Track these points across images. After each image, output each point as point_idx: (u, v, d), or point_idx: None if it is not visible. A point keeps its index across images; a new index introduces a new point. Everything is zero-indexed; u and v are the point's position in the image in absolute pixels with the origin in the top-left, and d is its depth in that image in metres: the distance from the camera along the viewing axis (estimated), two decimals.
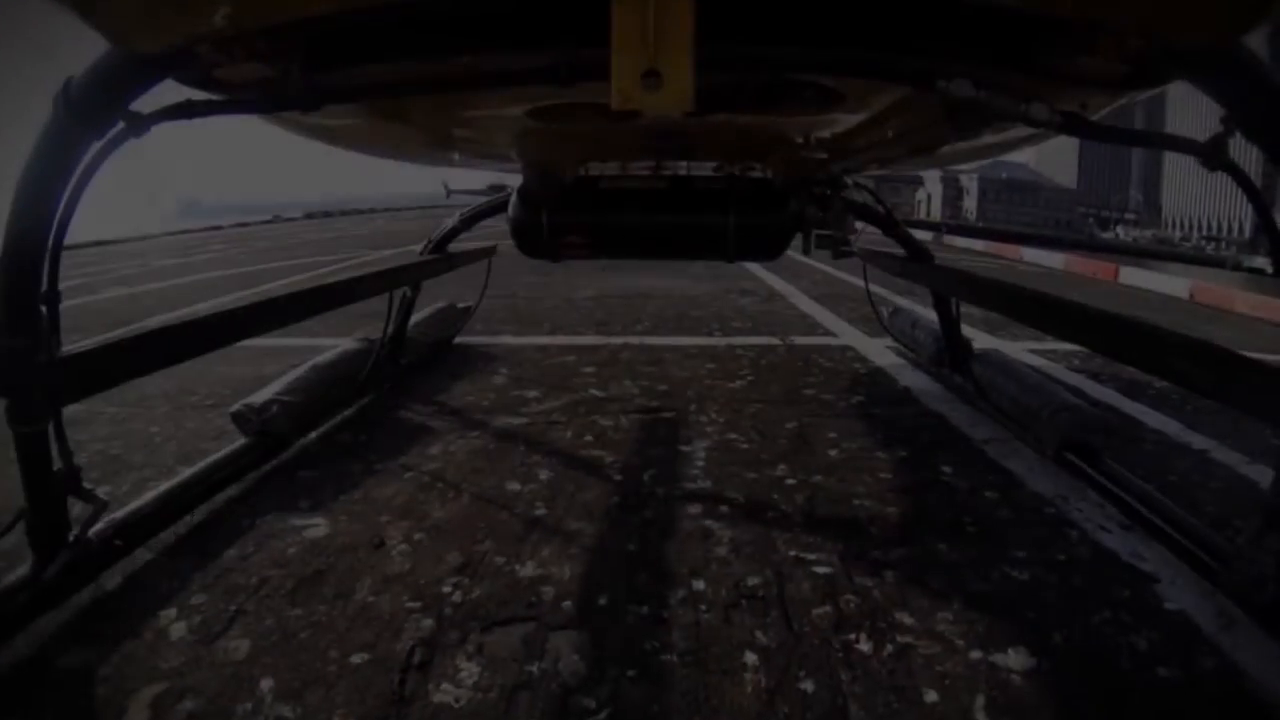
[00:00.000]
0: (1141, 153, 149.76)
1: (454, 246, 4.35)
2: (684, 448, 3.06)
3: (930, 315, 4.30)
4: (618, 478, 2.77)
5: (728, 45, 1.50)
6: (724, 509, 2.48)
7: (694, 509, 2.48)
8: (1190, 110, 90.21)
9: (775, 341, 5.23)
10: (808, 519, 2.43)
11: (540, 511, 2.46)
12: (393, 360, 3.97)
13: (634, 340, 5.19)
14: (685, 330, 5.60)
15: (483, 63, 1.63)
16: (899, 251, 4.02)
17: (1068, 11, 1.37)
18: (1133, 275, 12.54)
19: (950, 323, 3.96)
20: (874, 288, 5.15)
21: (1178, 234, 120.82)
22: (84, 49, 1.58)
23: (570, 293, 7.55)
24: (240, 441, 2.84)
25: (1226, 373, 1.65)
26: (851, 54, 1.58)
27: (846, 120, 2.40)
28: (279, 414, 2.92)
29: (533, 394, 3.86)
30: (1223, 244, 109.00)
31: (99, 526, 1.99)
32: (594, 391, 3.90)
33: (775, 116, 2.32)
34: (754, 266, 9.71)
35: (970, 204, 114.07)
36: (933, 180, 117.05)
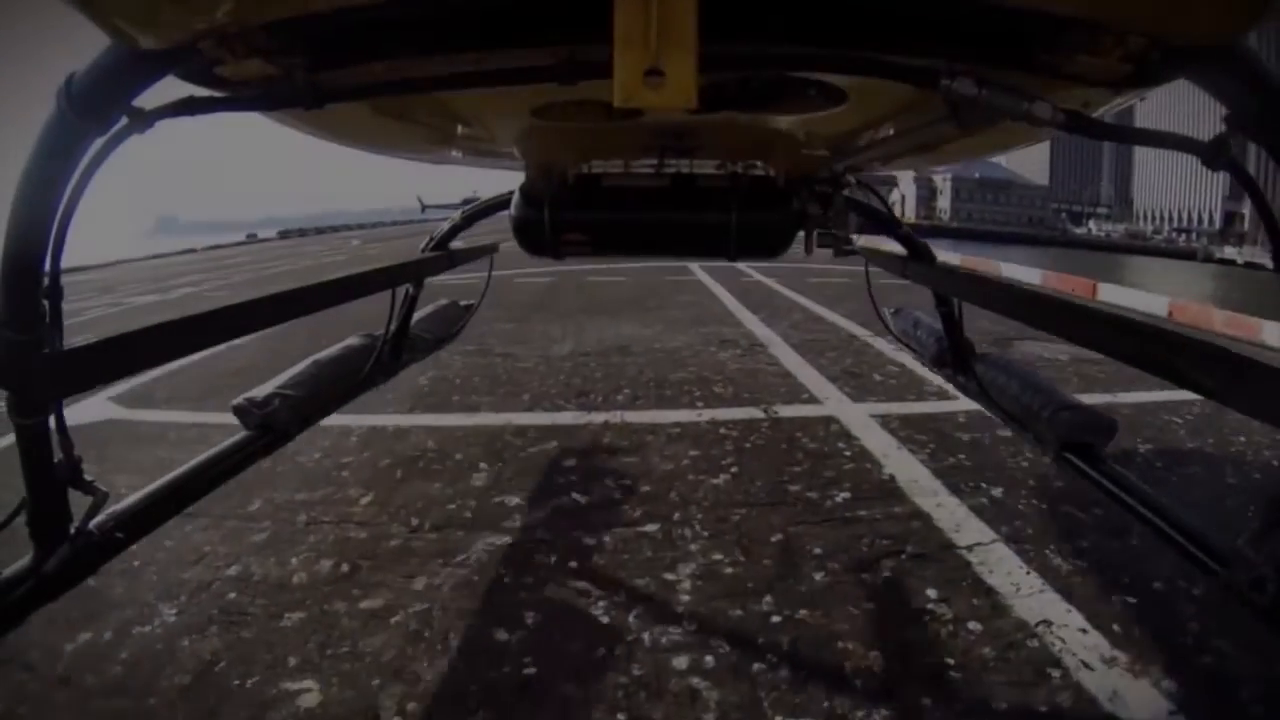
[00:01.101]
0: (1112, 148, 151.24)
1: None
2: (668, 575, 3.03)
3: (931, 316, 4.30)
4: (604, 620, 2.73)
5: (730, 43, 1.49)
6: (710, 661, 2.45)
7: (681, 662, 2.45)
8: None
9: (758, 414, 5.18)
10: (794, 670, 2.41)
11: (530, 670, 2.45)
12: (395, 356, 3.96)
13: (615, 418, 5.14)
14: (667, 401, 5.56)
15: (486, 60, 1.63)
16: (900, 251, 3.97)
17: (1070, 10, 1.37)
18: (1111, 292, 12.51)
19: (953, 323, 3.95)
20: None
21: (1149, 227, 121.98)
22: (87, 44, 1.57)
23: (548, 347, 7.50)
24: (242, 434, 2.79)
25: (1233, 376, 1.62)
26: (855, 52, 1.58)
27: (849, 118, 2.39)
28: (281, 407, 2.88)
29: (514, 502, 3.83)
30: (1193, 235, 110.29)
31: (100, 518, 1.98)
32: (576, 496, 3.87)
33: (778, 114, 2.32)
34: (734, 307, 9.76)
35: (944, 203, 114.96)
36: (906, 181, 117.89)
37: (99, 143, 1.64)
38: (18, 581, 1.77)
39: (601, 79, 1.40)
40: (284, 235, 64.59)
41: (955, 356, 3.97)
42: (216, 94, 1.71)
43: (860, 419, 5.02)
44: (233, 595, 3.13)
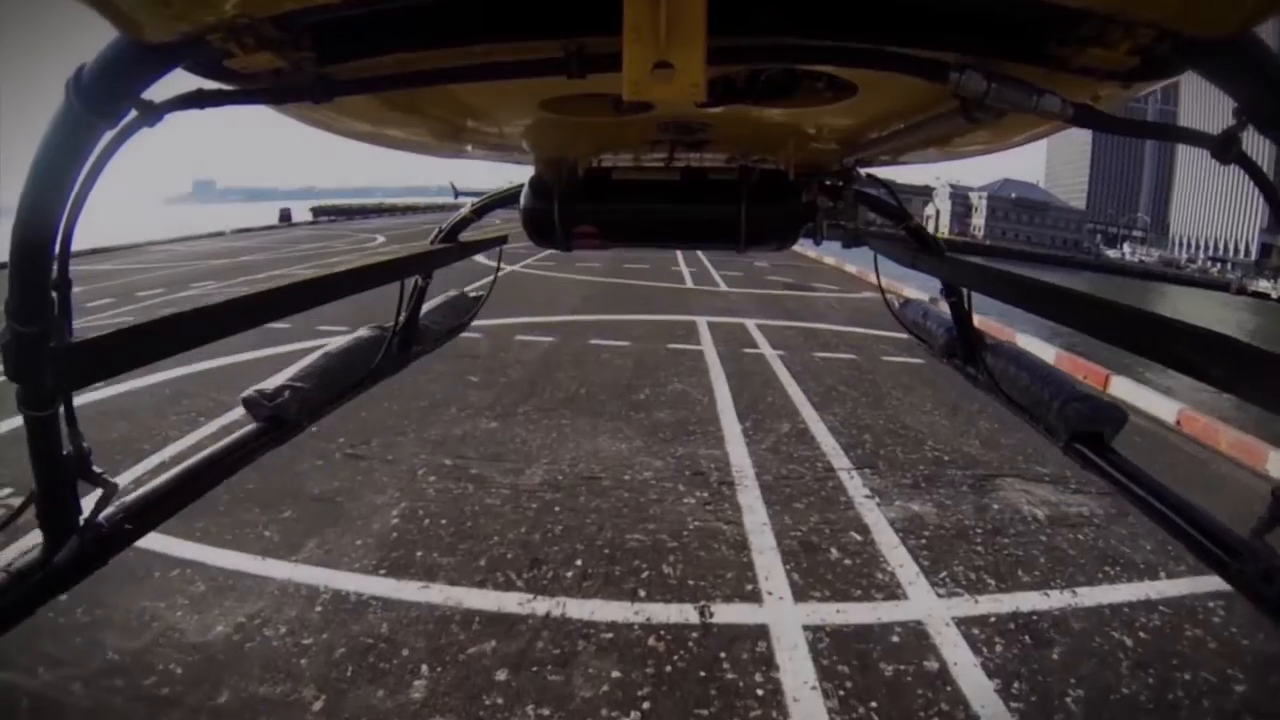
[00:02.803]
0: (1150, 175, 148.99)
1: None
2: None
3: (940, 306, 4.42)
4: None
5: (739, 36, 1.53)
6: None
7: None
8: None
9: (693, 618, 5.21)
10: None
11: None
12: (404, 348, 4.04)
13: (557, 610, 5.22)
14: (613, 584, 5.58)
15: (495, 53, 1.65)
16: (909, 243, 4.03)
17: (1081, 2, 1.36)
18: (1123, 386, 12.20)
19: (962, 314, 4.06)
20: None
21: (1184, 255, 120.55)
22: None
23: (521, 470, 7.59)
24: (253, 425, 2.89)
25: (1238, 364, 1.67)
26: (864, 46, 1.59)
27: (858, 111, 2.42)
28: (290, 399, 2.95)
29: None
30: (1228, 265, 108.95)
31: (109, 510, 2.03)
32: None
33: (787, 108, 2.32)
34: (724, 404, 9.86)
35: (979, 221, 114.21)
36: (943, 196, 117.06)
37: (108, 136, 1.67)
38: (27, 573, 1.82)
39: (611, 72, 1.45)
40: (316, 217, 64.72)
41: (964, 347, 4.08)
42: (225, 87, 1.74)
43: (791, 632, 5.05)
44: None
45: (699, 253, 28.35)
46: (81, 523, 1.94)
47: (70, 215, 1.71)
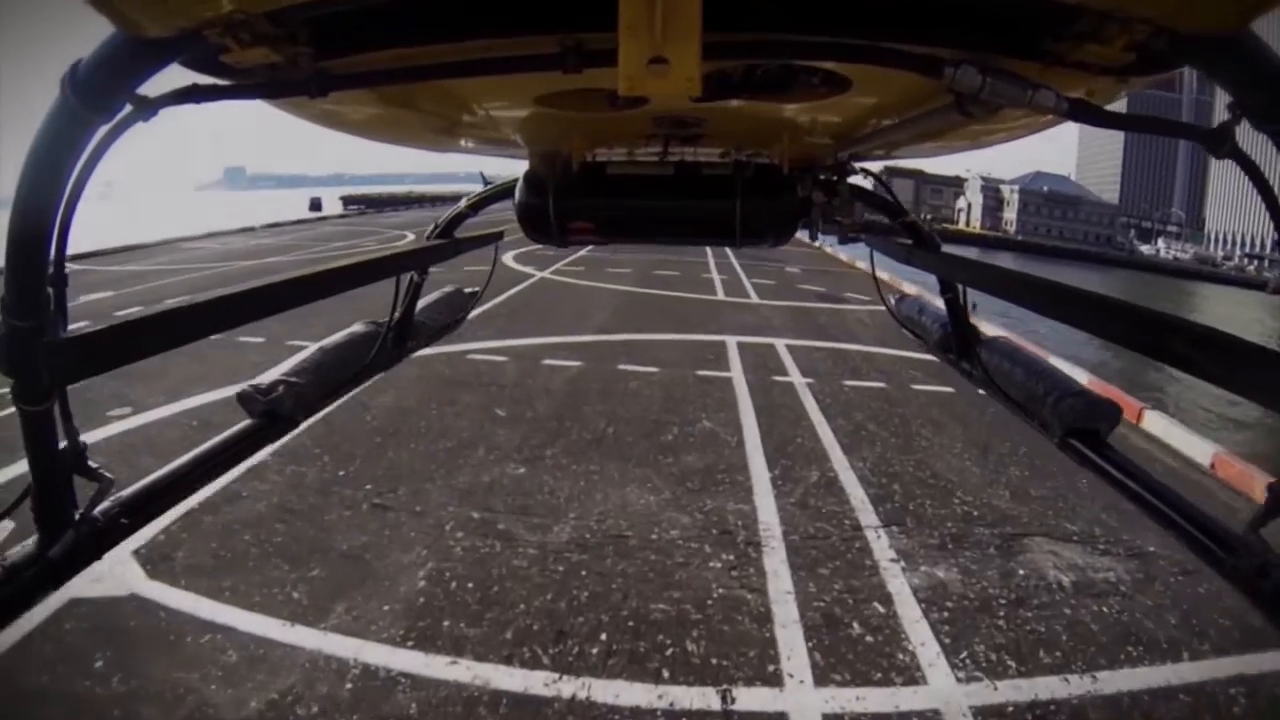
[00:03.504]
0: (1185, 168, 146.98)
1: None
2: None
3: (936, 302, 4.41)
4: None
5: (734, 31, 1.54)
6: None
7: None
8: None
9: (714, 703, 5.20)
10: None
11: None
12: (399, 343, 4.05)
13: (581, 693, 5.21)
14: (637, 663, 5.55)
15: (491, 48, 1.66)
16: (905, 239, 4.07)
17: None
18: (1156, 423, 11.85)
19: (957, 310, 4.05)
20: None
21: (1219, 252, 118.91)
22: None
23: (549, 525, 7.56)
24: (247, 421, 2.91)
25: (1235, 360, 1.67)
26: (859, 41, 1.60)
27: (853, 106, 2.44)
28: (285, 395, 2.97)
29: None
30: (1265, 263, 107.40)
31: (105, 504, 2.04)
32: None
33: (782, 103, 2.34)
34: (753, 445, 9.75)
35: (1011, 215, 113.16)
36: (975, 189, 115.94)
37: (103, 130, 1.68)
38: (23, 567, 1.82)
39: (606, 67, 1.47)
40: (347, 209, 64.83)
41: (960, 343, 4.08)
42: (221, 82, 1.75)
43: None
44: None
45: (731, 258, 28.23)
46: (77, 517, 1.95)
47: (66, 210, 1.72)
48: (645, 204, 3.66)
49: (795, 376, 13.02)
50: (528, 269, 24.36)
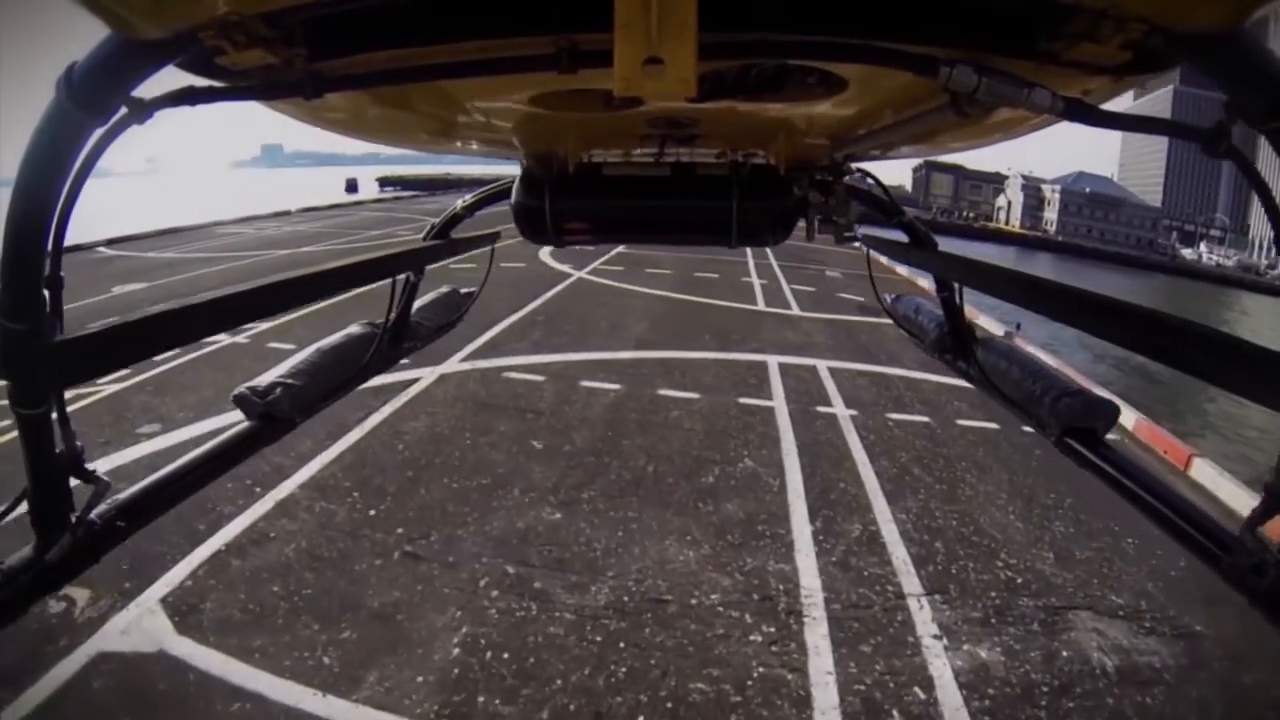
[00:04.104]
0: (1230, 172, 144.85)
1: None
2: None
3: (933, 302, 4.44)
4: None
5: (730, 31, 1.54)
6: None
7: None
8: None
9: None
10: None
11: None
12: (395, 345, 4.08)
13: None
14: None
15: (486, 49, 1.65)
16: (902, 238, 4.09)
17: None
18: (1205, 471, 11.36)
19: (953, 309, 4.07)
20: None
21: (1263, 260, 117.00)
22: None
23: (586, 584, 7.32)
24: (245, 423, 2.93)
25: (1236, 361, 1.69)
26: (854, 41, 1.59)
27: (849, 106, 2.42)
28: (282, 396, 2.97)
29: None
30: None
31: (102, 508, 2.05)
32: None
33: (778, 103, 2.32)
34: (795, 491, 9.49)
35: (1051, 215, 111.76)
36: (1015, 188, 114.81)
37: (99, 133, 1.68)
38: (20, 571, 1.84)
39: (602, 67, 1.46)
40: (382, 191, 64.79)
41: (956, 342, 4.07)
42: (216, 84, 1.75)
43: None
44: None
45: (771, 259, 27.88)
46: (74, 520, 1.96)
47: (62, 213, 1.73)
48: (641, 205, 3.67)
49: (839, 407, 12.64)
50: (564, 267, 24.13)
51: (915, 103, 2.23)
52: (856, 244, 4.23)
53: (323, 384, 3.28)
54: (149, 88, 1.66)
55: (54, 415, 1.87)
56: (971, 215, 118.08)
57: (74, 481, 1.96)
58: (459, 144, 3.59)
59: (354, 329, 3.78)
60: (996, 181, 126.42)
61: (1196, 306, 61.26)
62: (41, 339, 1.74)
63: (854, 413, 12.41)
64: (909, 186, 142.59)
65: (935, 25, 1.57)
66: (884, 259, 4.80)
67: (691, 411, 12.06)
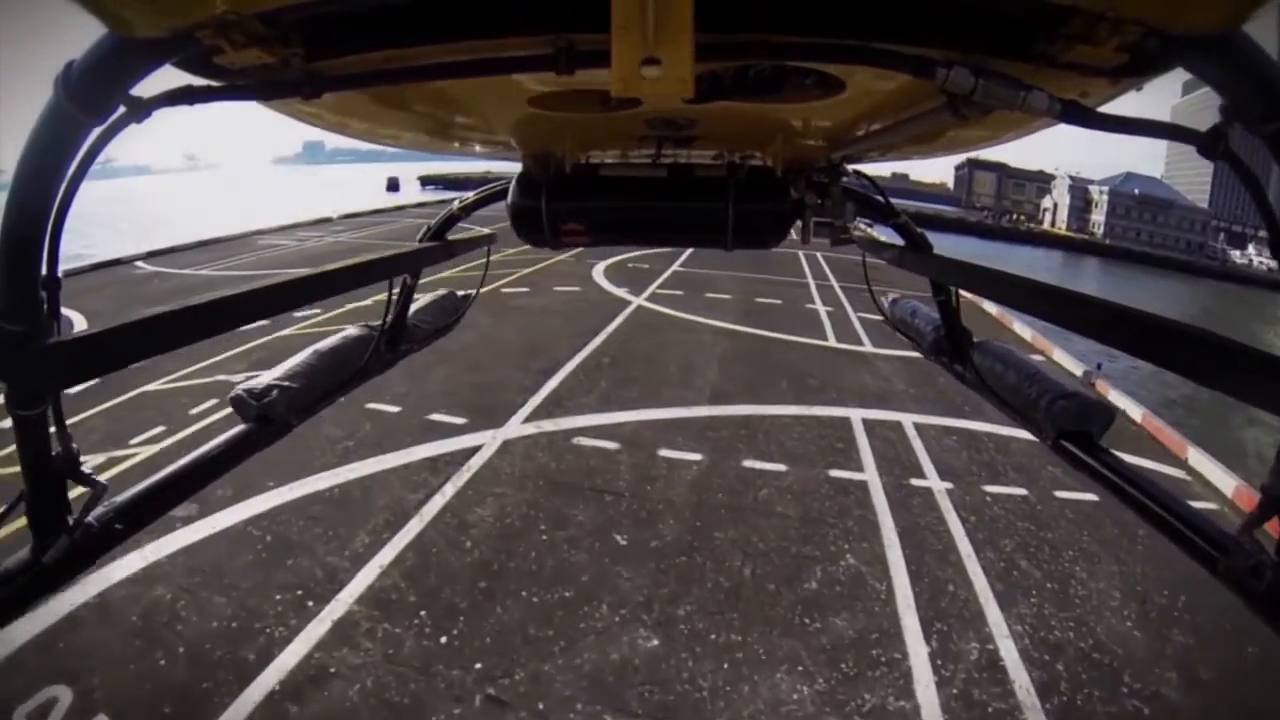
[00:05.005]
0: None
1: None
2: None
3: (930, 305, 4.47)
4: None
5: (727, 32, 1.55)
6: None
7: None
8: None
9: None
10: None
11: None
12: (392, 347, 4.11)
13: None
14: None
15: (483, 49, 1.66)
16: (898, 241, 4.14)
17: (1067, 0, 1.39)
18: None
19: (950, 312, 4.14)
20: None
21: None
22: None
23: None
24: (241, 426, 2.93)
25: (1231, 363, 1.70)
26: (851, 42, 1.59)
27: (846, 108, 2.42)
28: (278, 399, 2.98)
29: None
30: None
31: (99, 510, 2.08)
32: None
33: (775, 104, 2.31)
34: (902, 604, 8.49)
35: (1099, 218, 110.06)
36: (1062, 189, 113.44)
37: (96, 132, 1.69)
38: (17, 573, 1.88)
39: (599, 68, 1.48)
40: (424, 184, 64.77)
41: (953, 345, 4.17)
42: (214, 83, 1.75)
43: None
44: None
45: (833, 281, 27.00)
46: (71, 522, 2.01)
47: (59, 213, 1.75)
48: (638, 206, 3.65)
49: (933, 479, 11.47)
50: (621, 292, 23.24)
51: (912, 104, 2.23)
52: (853, 244, 4.21)
53: (319, 386, 3.29)
54: (147, 87, 1.66)
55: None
56: (1020, 217, 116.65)
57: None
58: (457, 145, 3.66)
59: (351, 331, 3.80)
60: (1040, 180, 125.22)
61: (1254, 315, 59.53)
62: (38, 340, 1.77)
63: (949, 485, 11.30)
64: (951, 184, 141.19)
65: (932, 27, 1.58)
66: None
67: (782, 489, 10.88)
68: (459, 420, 12.30)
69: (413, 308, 4.34)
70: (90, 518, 2.05)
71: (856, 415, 13.97)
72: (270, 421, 2.95)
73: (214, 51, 1.56)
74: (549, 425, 12.35)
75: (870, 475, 11.57)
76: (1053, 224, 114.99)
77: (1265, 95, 1.45)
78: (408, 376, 13.97)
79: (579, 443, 11.88)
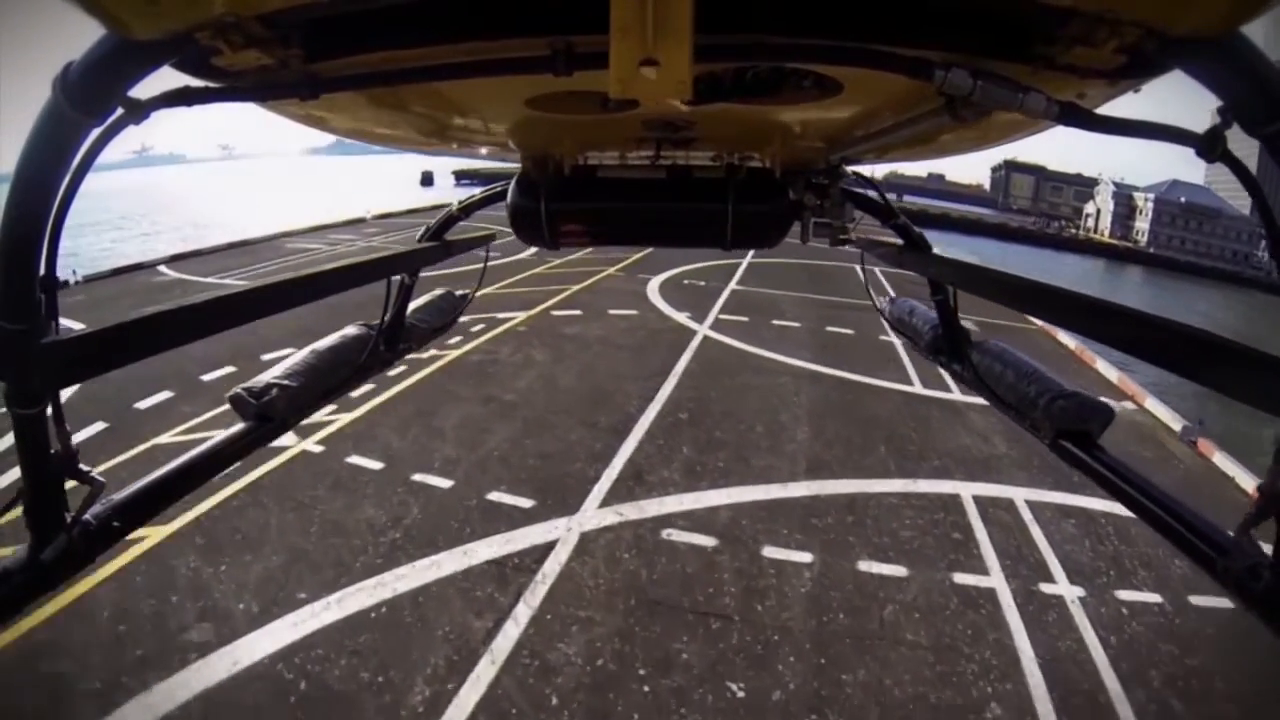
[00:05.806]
0: None
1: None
2: None
3: (927, 305, 4.50)
4: None
5: (725, 34, 1.52)
6: None
7: None
8: None
9: None
10: None
11: None
12: (391, 346, 4.07)
13: None
14: None
15: (482, 50, 1.63)
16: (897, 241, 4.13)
17: (1066, 2, 1.38)
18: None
19: (948, 311, 4.14)
20: None
21: None
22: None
23: None
24: (240, 424, 2.91)
25: (1224, 361, 1.69)
26: (849, 44, 1.57)
27: (845, 109, 2.38)
28: (277, 398, 2.95)
29: None
30: None
31: (97, 508, 2.08)
32: None
33: (773, 106, 2.27)
34: None
35: (1143, 225, 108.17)
36: (1105, 194, 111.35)
37: (95, 133, 1.66)
38: (15, 571, 1.89)
39: (597, 70, 1.47)
40: (459, 179, 64.20)
41: (950, 344, 4.21)
42: (212, 84, 1.73)
43: None
44: None
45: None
46: (69, 520, 1.99)
47: (58, 214, 1.73)
48: (637, 207, 3.64)
49: (1062, 582, 9.98)
50: (681, 317, 21.88)
51: (910, 106, 2.21)
52: (852, 245, 4.20)
53: (318, 385, 3.27)
54: (145, 87, 1.64)
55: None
56: (1064, 223, 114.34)
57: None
58: (455, 146, 3.66)
59: (350, 330, 3.80)
60: (1080, 184, 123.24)
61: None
62: (37, 339, 1.77)
63: (1080, 593, 9.79)
64: (988, 186, 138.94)
65: (930, 29, 1.56)
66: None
67: (907, 605, 9.32)
68: (524, 503, 10.80)
69: (411, 307, 4.35)
70: (88, 515, 2.01)
71: (966, 491, 12.41)
72: (269, 420, 2.93)
73: (212, 53, 1.54)
74: (631, 512, 10.64)
75: (997, 581, 10.04)
76: (1095, 230, 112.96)
77: (1263, 97, 1.42)
78: (459, 438, 12.30)
79: (670, 538, 10.33)
